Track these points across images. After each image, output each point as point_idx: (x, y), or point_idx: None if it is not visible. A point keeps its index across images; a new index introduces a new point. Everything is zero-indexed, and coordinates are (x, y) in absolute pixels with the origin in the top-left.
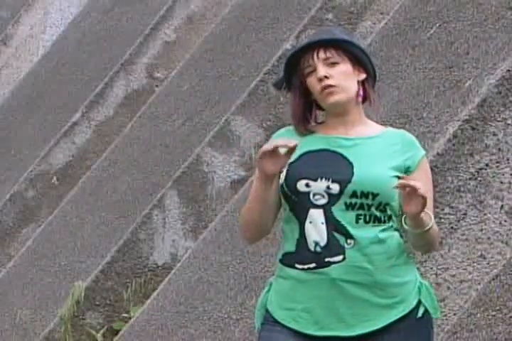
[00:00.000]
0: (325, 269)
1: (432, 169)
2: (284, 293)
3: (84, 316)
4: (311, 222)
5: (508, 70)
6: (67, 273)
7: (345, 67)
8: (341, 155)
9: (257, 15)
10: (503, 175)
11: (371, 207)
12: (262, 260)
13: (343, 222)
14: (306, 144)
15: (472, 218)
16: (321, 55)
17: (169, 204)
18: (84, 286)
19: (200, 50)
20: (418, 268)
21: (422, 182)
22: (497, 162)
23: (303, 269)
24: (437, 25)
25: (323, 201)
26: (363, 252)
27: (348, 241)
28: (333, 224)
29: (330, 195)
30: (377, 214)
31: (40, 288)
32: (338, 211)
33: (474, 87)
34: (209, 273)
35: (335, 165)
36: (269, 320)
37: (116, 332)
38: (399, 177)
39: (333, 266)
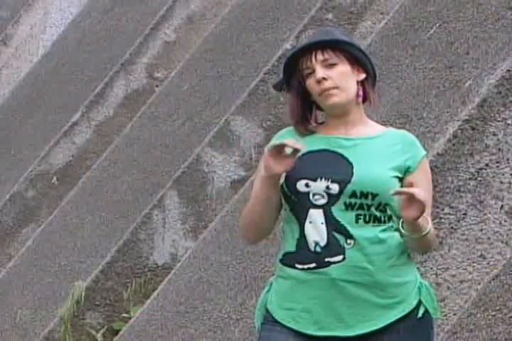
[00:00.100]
0: (325, 269)
1: (432, 169)
2: (284, 293)
3: (84, 316)
4: (311, 222)
5: (508, 70)
6: (67, 273)
7: (343, 68)
8: (341, 155)
9: (257, 15)
10: (503, 175)
11: (371, 207)
12: (262, 260)
13: (342, 222)
14: (306, 144)
15: (472, 218)
16: (319, 56)
17: (169, 204)
18: (84, 286)
19: (200, 50)
20: (418, 268)
21: (422, 182)
22: (497, 162)
23: (303, 269)
24: (437, 25)
25: (322, 201)
26: (363, 252)
27: (348, 241)
28: (333, 224)
29: (329, 195)
30: (377, 214)
31: (40, 288)
32: (337, 211)
33: (474, 87)
34: (209, 273)
35: (335, 165)
36: (269, 320)
37: (116, 332)
38: (399, 178)
39: (333, 266)
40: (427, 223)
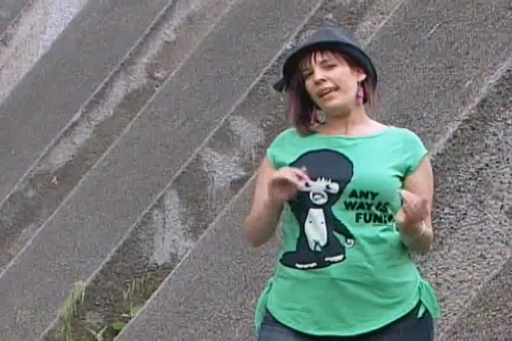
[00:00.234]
0: (325, 269)
1: (432, 169)
2: (284, 293)
3: (84, 316)
4: (311, 222)
5: (508, 70)
6: (67, 273)
7: (343, 69)
8: (342, 155)
9: (257, 15)
10: (503, 175)
11: (371, 206)
12: (262, 260)
13: (343, 222)
14: (307, 144)
15: (472, 218)
16: (318, 58)
17: (169, 204)
18: (84, 286)
19: (200, 50)
20: (418, 268)
21: (423, 182)
22: (497, 162)
23: (303, 269)
24: (437, 25)
25: (322, 200)
26: (363, 252)
27: (348, 240)
28: (333, 224)
29: (329, 194)
30: (378, 213)
31: (40, 288)
32: (337, 210)
33: (474, 87)
34: (209, 273)
35: (335, 164)
36: (269, 320)
37: (116, 332)
38: (400, 177)
39: (333, 265)
40: (420, 225)
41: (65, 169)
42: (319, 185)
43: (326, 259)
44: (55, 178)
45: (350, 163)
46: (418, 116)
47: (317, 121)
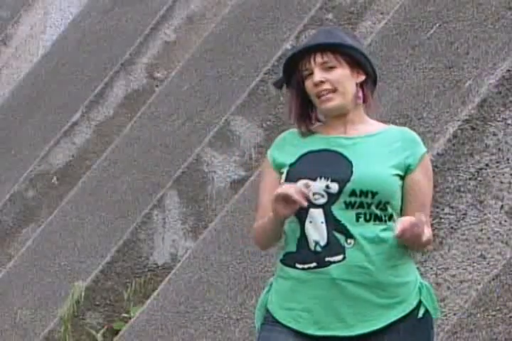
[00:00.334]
0: (325, 269)
1: (432, 169)
2: (284, 293)
3: (84, 316)
4: (311, 222)
5: (508, 70)
6: (67, 273)
7: (342, 71)
8: (341, 154)
9: (257, 15)
10: (503, 175)
11: (371, 205)
12: (262, 260)
13: (343, 221)
14: (307, 145)
15: (472, 218)
16: (318, 59)
17: (169, 204)
18: (84, 286)
19: (200, 50)
20: (418, 268)
21: (422, 181)
22: (497, 162)
23: (303, 269)
24: (437, 25)
25: (322, 200)
26: (364, 252)
27: (348, 240)
28: (333, 224)
29: (329, 194)
30: (378, 212)
31: (40, 288)
32: (337, 210)
33: (474, 87)
34: (209, 273)
35: (334, 164)
36: (270, 320)
37: (116, 332)
38: (399, 176)
39: (333, 265)
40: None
41: (65, 169)
42: (319, 185)
43: (326, 259)
44: (55, 178)
45: (350, 162)
46: (418, 116)
47: (318, 121)
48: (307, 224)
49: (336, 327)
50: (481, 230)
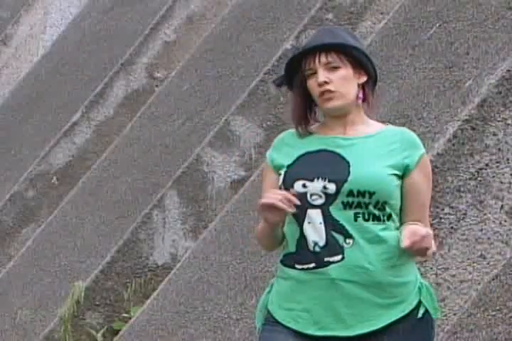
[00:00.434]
0: (324, 269)
1: (432, 169)
2: (284, 294)
3: (84, 316)
4: (309, 223)
5: (508, 70)
6: (67, 273)
7: (345, 71)
8: (339, 155)
9: (257, 15)
10: (503, 175)
11: (369, 205)
12: (262, 260)
13: (341, 221)
14: (304, 145)
15: (472, 218)
16: (322, 59)
17: (169, 204)
18: (84, 286)
19: (200, 50)
20: (418, 268)
21: (421, 181)
22: (497, 162)
23: (302, 269)
24: (437, 25)
25: (320, 201)
26: (363, 252)
27: (347, 240)
28: (331, 224)
29: (327, 194)
30: (376, 212)
31: (40, 288)
32: (335, 210)
33: (474, 87)
34: (209, 273)
35: (332, 165)
36: (270, 321)
37: (116, 332)
38: (398, 176)
39: (332, 265)
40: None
41: (65, 169)
42: (316, 185)
43: (325, 259)
44: (55, 178)
45: (347, 162)
46: (418, 116)
47: (316, 121)
48: (306, 225)
49: (335, 327)
50: (481, 230)
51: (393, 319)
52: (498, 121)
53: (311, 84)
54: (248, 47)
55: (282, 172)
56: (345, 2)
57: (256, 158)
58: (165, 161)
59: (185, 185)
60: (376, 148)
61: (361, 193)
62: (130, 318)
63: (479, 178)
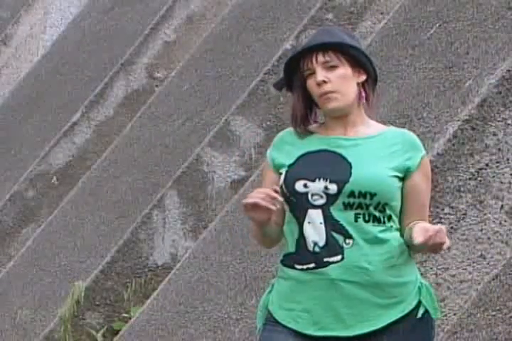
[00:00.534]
0: (324, 269)
1: (432, 169)
2: (284, 294)
3: (84, 316)
4: (309, 223)
5: (508, 70)
6: (67, 273)
7: (344, 70)
8: (340, 155)
9: (257, 15)
10: (503, 175)
11: (369, 206)
12: (262, 260)
13: (341, 222)
14: (305, 145)
15: (472, 218)
16: (320, 58)
17: (169, 204)
18: (84, 286)
19: (200, 50)
20: (418, 268)
21: (422, 183)
22: (497, 162)
23: (302, 269)
24: (437, 25)
25: (321, 201)
26: (362, 252)
27: (347, 240)
28: (331, 224)
29: (328, 195)
30: (376, 214)
31: (40, 288)
32: (336, 211)
33: (474, 87)
34: (209, 273)
35: (333, 165)
36: (270, 321)
37: (116, 332)
38: (399, 177)
39: (331, 266)
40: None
41: (65, 169)
42: (317, 185)
43: (325, 260)
44: (55, 178)
45: (349, 163)
46: (418, 116)
47: (315, 121)
48: (306, 225)
49: (335, 327)
50: (481, 230)
51: (393, 319)
52: (498, 121)
53: (310, 84)
54: (248, 47)
55: (283, 171)
56: (345, 2)
57: (256, 158)
58: (165, 161)
59: (185, 185)
60: (377, 149)
61: (362, 194)
62: (130, 318)
63: (479, 178)
